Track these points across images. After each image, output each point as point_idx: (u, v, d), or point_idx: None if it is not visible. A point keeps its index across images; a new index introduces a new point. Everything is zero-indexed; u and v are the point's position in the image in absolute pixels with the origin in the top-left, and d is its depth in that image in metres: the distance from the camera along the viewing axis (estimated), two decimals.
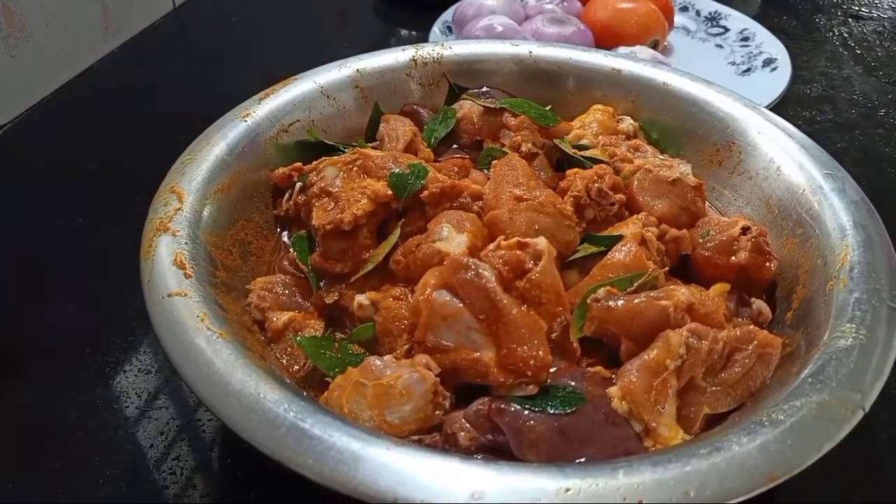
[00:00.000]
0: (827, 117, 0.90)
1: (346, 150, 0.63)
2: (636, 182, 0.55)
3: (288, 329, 0.50)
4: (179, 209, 0.51)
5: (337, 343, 0.49)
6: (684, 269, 0.55)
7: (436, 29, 0.96)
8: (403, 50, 0.71)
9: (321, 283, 0.53)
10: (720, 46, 1.01)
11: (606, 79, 0.70)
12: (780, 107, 0.87)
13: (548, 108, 0.67)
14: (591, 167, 0.58)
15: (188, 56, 1.08)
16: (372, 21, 1.16)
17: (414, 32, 1.10)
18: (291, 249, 0.56)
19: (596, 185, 0.54)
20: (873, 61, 1.03)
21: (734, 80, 0.94)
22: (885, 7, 1.18)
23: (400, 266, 0.51)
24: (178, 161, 0.56)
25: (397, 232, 0.53)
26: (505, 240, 0.48)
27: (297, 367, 0.48)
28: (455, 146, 0.67)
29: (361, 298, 0.50)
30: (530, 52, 0.71)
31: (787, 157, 0.58)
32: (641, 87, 0.68)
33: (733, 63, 0.97)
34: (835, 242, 0.50)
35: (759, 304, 0.52)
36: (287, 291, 0.53)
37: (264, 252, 0.58)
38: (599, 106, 0.67)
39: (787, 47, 0.98)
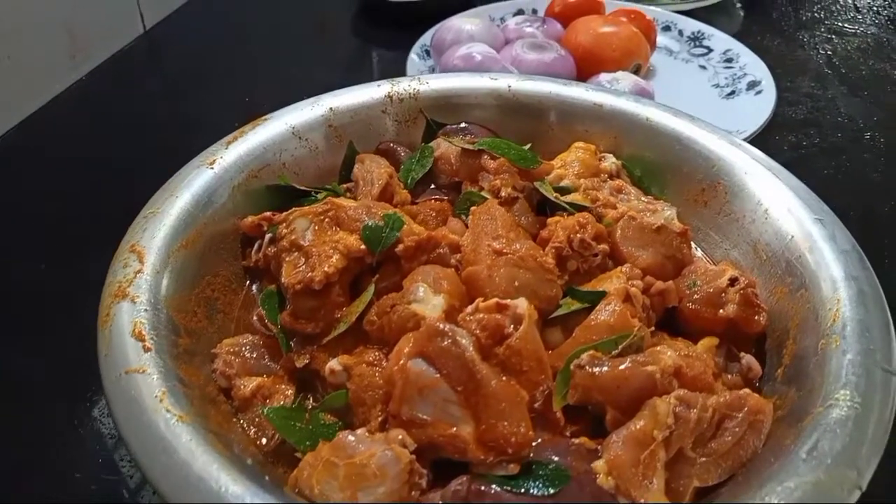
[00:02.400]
0: (813, 142, 0.89)
1: (318, 195, 0.61)
2: (619, 231, 0.53)
3: (256, 397, 0.48)
4: (139, 271, 0.48)
5: (308, 413, 0.47)
6: (671, 320, 0.53)
7: (413, 56, 0.93)
8: (379, 85, 0.69)
9: (292, 344, 0.51)
10: (703, 68, 0.99)
11: (588, 113, 0.68)
12: (765, 131, 0.85)
13: (528, 146, 0.65)
14: (574, 213, 0.56)
15: (162, 80, 1.05)
16: (350, 40, 1.13)
17: (392, 52, 1.08)
18: (260, 307, 0.53)
19: (578, 235, 0.52)
20: (858, 80, 1.02)
21: (719, 103, 0.92)
22: (868, 22, 1.17)
23: (374, 327, 0.48)
24: (140, 215, 0.53)
25: (371, 289, 0.51)
26: (484, 300, 0.46)
27: (265, 441, 0.46)
28: (433, 186, 0.64)
29: (333, 364, 0.47)
30: (509, 87, 0.69)
31: (775, 200, 0.56)
32: (624, 123, 0.66)
33: (717, 85, 0.95)
34: (826, 296, 0.48)
35: (748, 359, 0.50)
36: (255, 354, 0.50)
37: (232, 308, 0.55)
38: (581, 144, 0.65)
39: (771, 66, 0.96)
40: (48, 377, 0.61)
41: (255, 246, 0.57)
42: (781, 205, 0.56)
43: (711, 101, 0.93)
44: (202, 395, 0.45)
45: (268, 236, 0.56)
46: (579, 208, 0.57)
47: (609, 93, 0.68)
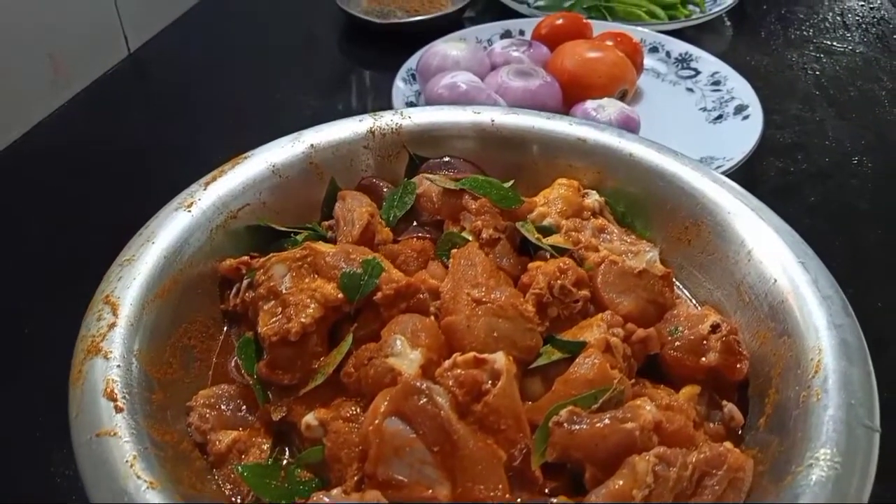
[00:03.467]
0: (800, 167, 0.89)
1: (298, 237, 0.60)
2: (600, 276, 0.53)
3: (232, 452, 0.47)
4: (113, 324, 0.48)
5: (283, 470, 0.46)
6: (654, 365, 0.53)
7: (399, 82, 0.93)
8: (361, 120, 0.68)
9: (269, 394, 0.50)
10: (691, 90, 0.99)
11: (572, 148, 0.67)
12: (752, 156, 0.85)
13: (511, 182, 0.65)
14: (555, 255, 0.55)
15: (146, 104, 1.03)
16: (337, 61, 1.13)
17: (379, 74, 1.07)
18: (237, 357, 0.52)
19: (559, 282, 0.51)
20: (846, 102, 1.02)
21: (706, 128, 0.92)
22: (857, 40, 1.17)
23: (352, 379, 0.48)
24: (116, 262, 0.53)
25: (349, 339, 0.50)
26: (462, 354, 0.46)
27: (240, 499, 0.45)
28: (415, 223, 0.64)
29: (310, 419, 0.46)
30: (493, 121, 0.68)
31: (758, 241, 0.56)
32: (607, 158, 0.66)
33: (704, 109, 0.95)
34: (808, 345, 0.48)
35: (730, 408, 0.50)
36: (231, 406, 0.50)
37: (210, 354, 0.55)
38: (564, 181, 0.64)
39: (759, 88, 0.96)
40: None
41: (234, 290, 0.56)
42: (765, 246, 0.55)
43: (698, 125, 0.92)
44: (175, 454, 0.44)
45: (246, 281, 0.55)
46: (561, 251, 0.56)
47: (592, 127, 0.67)
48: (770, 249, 0.55)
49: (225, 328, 0.57)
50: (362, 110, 0.99)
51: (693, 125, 0.92)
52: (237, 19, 1.20)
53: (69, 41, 0.96)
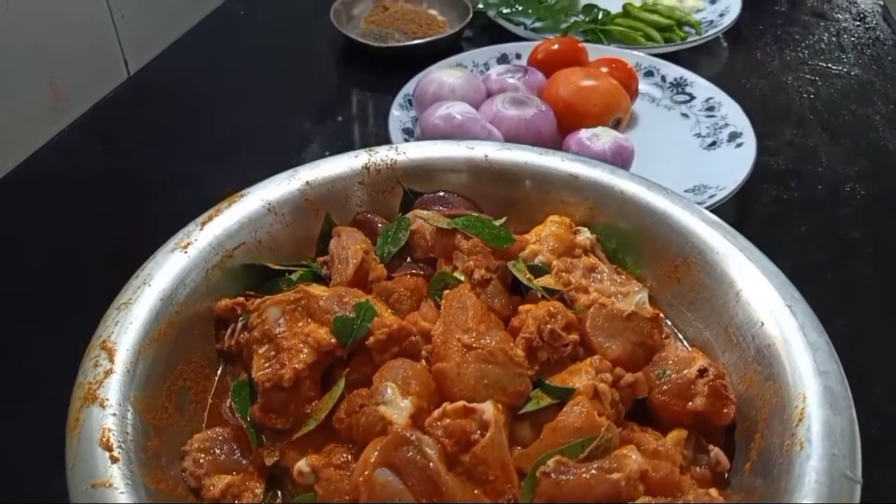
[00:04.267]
0: (793, 195, 0.89)
1: (293, 275, 0.61)
2: (590, 320, 0.54)
3: (226, 496, 0.48)
4: (110, 371, 0.49)
5: None
6: (642, 407, 0.53)
7: (395, 110, 0.94)
8: (356, 156, 0.69)
9: (263, 437, 0.51)
10: (686, 116, 0.99)
11: (564, 183, 0.68)
12: (746, 183, 0.85)
13: (503, 219, 0.65)
14: (546, 296, 0.56)
15: (146, 129, 1.04)
16: (336, 85, 1.14)
17: (377, 97, 1.08)
18: (231, 400, 0.53)
19: (548, 326, 0.52)
20: (840, 126, 1.02)
21: (700, 154, 0.92)
22: (852, 62, 1.17)
23: (343, 426, 0.49)
24: (113, 305, 0.54)
25: (342, 383, 0.51)
26: (452, 400, 0.47)
27: None
28: (409, 259, 0.65)
29: (302, 465, 0.47)
30: (486, 156, 0.69)
31: (747, 283, 0.57)
32: (599, 194, 0.67)
33: (699, 135, 0.95)
34: (793, 392, 0.49)
35: (717, 453, 0.50)
36: (226, 449, 0.50)
37: (205, 395, 0.56)
38: (556, 218, 0.65)
39: (754, 112, 0.97)
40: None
41: (229, 330, 0.57)
42: (753, 288, 0.56)
43: (692, 151, 0.93)
44: (170, 501, 0.45)
45: (241, 322, 0.56)
46: (552, 292, 0.57)
47: (584, 163, 0.68)
48: (758, 292, 0.56)
49: (220, 367, 0.58)
50: (360, 135, 1.00)
51: (687, 152, 0.93)
52: (235, 41, 1.21)
53: (69, 66, 0.97)
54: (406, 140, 0.91)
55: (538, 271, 0.60)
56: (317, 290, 0.54)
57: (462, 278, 0.58)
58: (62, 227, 0.84)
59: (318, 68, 1.17)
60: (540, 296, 0.57)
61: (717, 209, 0.80)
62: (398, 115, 0.94)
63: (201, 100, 1.07)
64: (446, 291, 0.56)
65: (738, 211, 0.86)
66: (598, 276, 0.59)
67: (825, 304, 0.74)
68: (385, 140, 0.90)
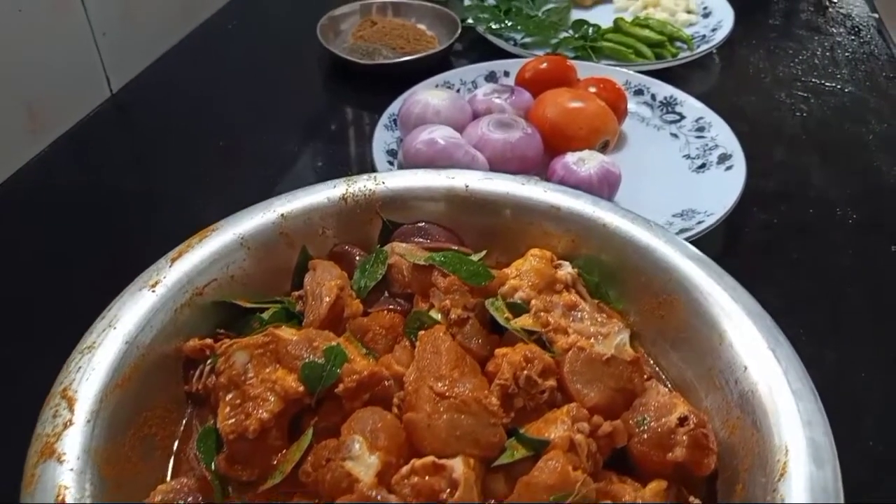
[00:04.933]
0: (783, 219, 0.88)
1: (265, 314, 0.60)
2: (568, 365, 0.52)
3: None
4: (69, 422, 0.47)
5: None
6: (621, 454, 0.52)
7: (379, 131, 0.92)
8: (334, 186, 0.67)
9: (229, 489, 0.49)
10: (675, 136, 0.98)
11: (545, 215, 0.66)
12: (735, 207, 0.83)
13: (482, 255, 0.64)
14: (524, 340, 0.55)
15: (130, 148, 1.02)
16: (322, 104, 1.12)
17: (364, 115, 1.07)
18: (196, 449, 0.51)
19: (525, 372, 0.50)
20: (832, 146, 1.01)
21: (689, 177, 0.91)
22: (846, 78, 1.16)
23: (310, 479, 0.47)
24: (76, 350, 0.52)
25: (309, 433, 0.49)
26: (423, 453, 0.45)
27: None
28: (387, 294, 0.63)
29: None
30: (467, 186, 0.68)
31: (731, 324, 0.55)
32: (581, 226, 0.65)
33: (688, 156, 0.94)
34: (776, 443, 0.47)
35: None
36: (190, 501, 0.49)
37: (170, 441, 0.54)
38: (536, 251, 0.63)
39: (745, 132, 0.95)
40: None
41: (197, 372, 0.56)
42: (737, 330, 0.55)
43: (681, 173, 0.92)
44: None
45: (208, 366, 0.54)
46: (530, 333, 0.55)
47: (566, 194, 0.67)
48: (742, 334, 0.54)
49: (188, 410, 0.56)
50: (345, 156, 0.99)
51: (676, 174, 0.92)
52: (219, 58, 1.20)
53: (48, 88, 0.95)
54: (390, 162, 0.90)
55: (517, 309, 0.59)
56: (286, 333, 0.53)
57: (438, 317, 0.57)
58: (36, 254, 0.82)
59: (305, 85, 1.15)
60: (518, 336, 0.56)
61: (705, 235, 0.78)
62: (382, 137, 0.93)
63: (185, 118, 1.06)
64: (421, 332, 0.55)
65: (726, 236, 0.84)
66: (579, 315, 0.58)
67: (815, 336, 0.74)
68: (370, 161, 0.88)
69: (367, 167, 0.90)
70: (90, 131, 1.01)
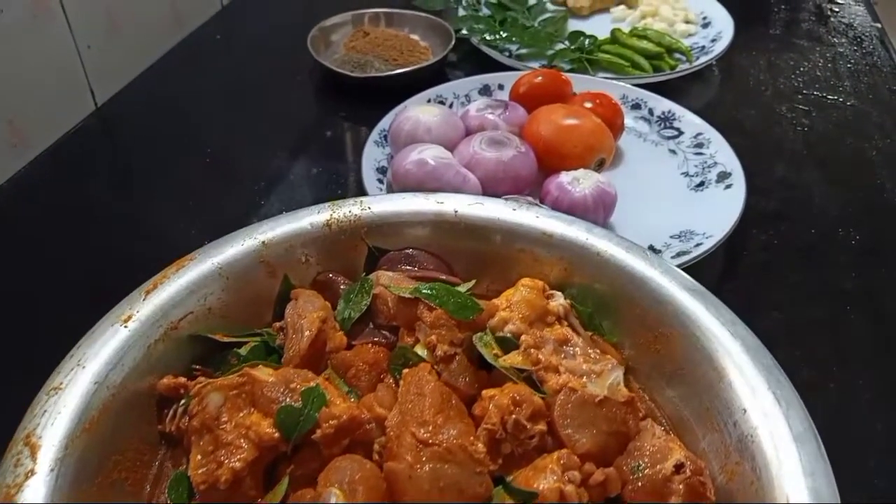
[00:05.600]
0: (784, 240, 0.85)
1: (243, 348, 0.57)
2: (558, 408, 0.50)
3: None
4: (31, 472, 0.44)
5: None
6: (615, 502, 0.49)
7: (369, 147, 0.90)
8: (318, 212, 0.65)
9: None
10: (673, 152, 0.95)
11: (537, 241, 0.64)
12: (735, 227, 0.81)
13: (471, 284, 0.62)
14: (513, 379, 0.52)
15: (114, 164, 1.00)
16: (312, 118, 1.09)
17: (356, 129, 1.04)
18: (167, 496, 0.49)
19: (513, 416, 0.48)
20: (834, 163, 0.98)
21: (687, 196, 0.88)
22: (849, 91, 1.13)
23: None
24: (43, 391, 0.49)
25: (284, 482, 0.47)
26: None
27: None
28: (372, 325, 0.61)
29: None
30: (456, 211, 0.65)
31: (730, 364, 0.52)
32: (574, 254, 0.63)
33: (686, 174, 0.91)
34: (776, 496, 0.45)
35: None
36: None
37: (141, 486, 0.51)
38: (527, 281, 0.61)
39: (745, 148, 0.93)
40: None
41: (171, 413, 0.53)
42: (736, 369, 0.52)
43: (679, 192, 0.89)
44: None
45: (182, 406, 0.52)
46: (520, 372, 0.53)
47: (559, 220, 0.64)
48: (742, 373, 0.52)
49: (161, 451, 0.54)
50: (335, 173, 0.96)
51: (673, 192, 0.89)
52: (207, 70, 1.17)
53: (30, 101, 0.93)
54: (379, 180, 0.87)
55: (507, 344, 0.56)
56: (263, 373, 0.50)
57: (424, 354, 0.55)
58: (6, 281, 0.80)
59: (295, 98, 1.12)
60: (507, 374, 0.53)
61: (704, 258, 0.76)
62: (372, 154, 0.90)
63: (171, 133, 1.03)
64: (405, 371, 0.52)
65: (724, 258, 0.82)
66: (571, 351, 0.55)
67: (816, 365, 0.71)
68: (361, 178, 0.86)
69: (358, 184, 0.87)
70: (73, 147, 0.98)
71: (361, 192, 0.85)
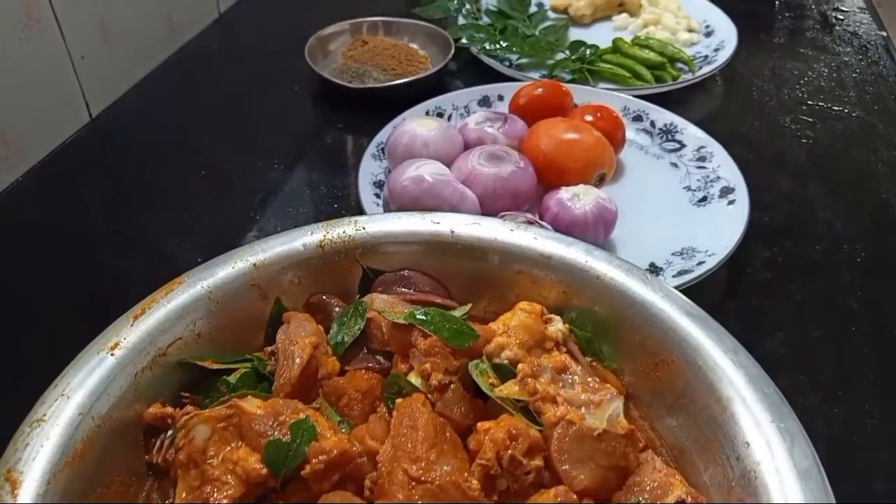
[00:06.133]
0: (788, 257, 0.83)
1: (232, 376, 0.56)
2: (555, 443, 0.48)
3: None
4: None
5: None
6: None
7: (366, 160, 0.89)
8: (311, 232, 0.63)
9: None
10: (675, 165, 0.94)
11: (536, 263, 0.62)
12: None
13: (467, 308, 0.60)
14: (509, 410, 0.51)
15: (109, 177, 0.98)
16: (310, 129, 1.08)
17: (353, 140, 1.03)
18: None
19: (509, 451, 0.47)
20: (839, 176, 0.97)
21: (689, 211, 0.87)
22: (854, 102, 1.12)
23: None
24: (25, 422, 0.48)
25: None
26: None
27: None
28: (366, 350, 0.59)
29: None
30: (452, 232, 0.64)
31: (734, 394, 0.51)
32: (573, 276, 0.61)
33: (689, 188, 0.90)
34: None
35: None
36: None
37: None
38: (525, 305, 0.59)
39: (748, 160, 0.92)
40: None
41: (158, 443, 0.52)
42: (740, 401, 0.50)
43: (681, 207, 0.88)
44: None
45: (168, 438, 0.50)
46: (517, 403, 0.52)
47: (558, 241, 0.63)
48: (745, 404, 0.50)
49: (148, 483, 0.52)
50: (332, 186, 0.95)
51: (676, 207, 0.88)
52: (203, 81, 1.16)
53: (23, 113, 0.91)
54: (376, 195, 0.86)
55: (504, 371, 0.55)
56: (251, 405, 0.49)
57: (418, 383, 0.53)
58: (4, 294, 0.79)
59: (292, 108, 1.11)
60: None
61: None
62: (369, 168, 0.89)
63: (166, 144, 1.02)
64: (399, 401, 0.51)
65: (726, 275, 0.80)
66: (569, 380, 0.54)
67: (821, 388, 0.69)
68: (358, 191, 0.85)
69: (355, 197, 0.86)
70: (66, 159, 0.97)
71: (358, 205, 0.84)
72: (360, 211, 0.84)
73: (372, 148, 0.91)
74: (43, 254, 0.83)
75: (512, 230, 0.64)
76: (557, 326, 0.59)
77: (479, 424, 0.50)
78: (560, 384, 0.53)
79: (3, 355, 0.72)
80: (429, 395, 0.52)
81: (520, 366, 0.54)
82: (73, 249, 0.84)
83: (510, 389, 0.52)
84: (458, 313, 0.59)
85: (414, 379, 0.54)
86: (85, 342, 0.53)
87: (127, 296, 0.72)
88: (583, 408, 0.51)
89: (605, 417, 0.50)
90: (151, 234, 0.86)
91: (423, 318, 0.56)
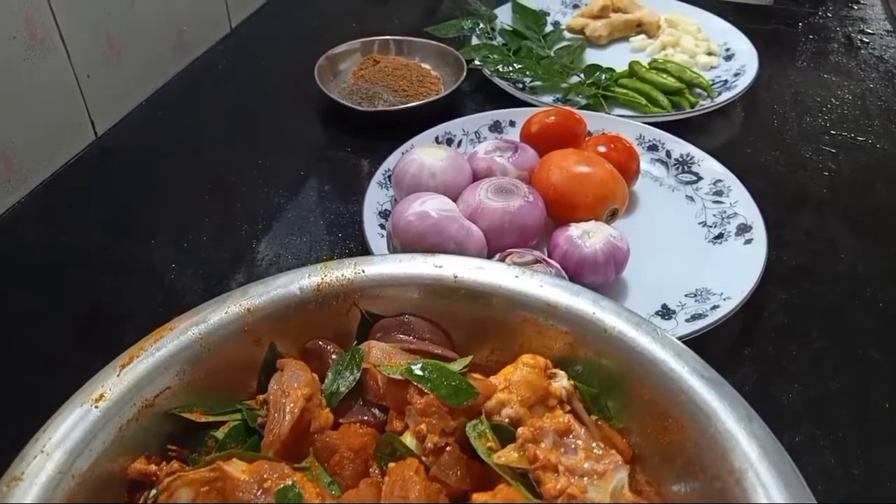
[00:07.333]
0: (805, 299, 0.80)
1: (220, 430, 0.54)
2: None
3: None
4: None
5: None
6: None
7: (373, 188, 0.87)
8: (308, 275, 0.61)
9: None
10: (691, 199, 0.91)
11: (541, 312, 0.60)
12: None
13: (467, 361, 0.58)
14: (507, 481, 0.48)
15: (113, 199, 0.96)
16: (317, 151, 1.06)
17: (360, 164, 1.01)
18: None
19: None
20: (861, 212, 0.93)
21: (705, 248, 0.84)
22: (879, 132, 1.08)
23: None
24: (3, 481, 0.46)
25: None
26: None
27: None
28: (361, 402, 0.57)
29: None
30: (455, 276, 0.61)
31: (746, 463, 0.48)
32: (580, 327, 0.58)
33: (704, 224, 0.87)
34: None
35: None
36: None
37: None
38: (529, 359, 0.57)
39: (766, 194, 0.89)
40: None
41: (141, 499, 0.50)
42: (752, 471, 0.47)
43: (697, 244, 0.85)
44: None
45: (151, 498, 0.48)
46: (517, 470, 0.49)
47: (564, 290, 0.60)
48: (761, 481, 0.47)
49: None
50: (336, 214, 0.93)
51: (690, 244, 0.85)
52: (209, 100, 1.14)
53: (27, 133, 0.90)
54: (381, 226, 0.84)
55: (503, 433, 0.52)
56: (236, 469, 0.47)
57: (413, 444, 0.51)
58: (4, 318, 0.77)
59: (301, 129, 1.09)
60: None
61: None
62: (375, 196, 0.87)
63: (171, 165, 1.00)
64: (391, 465, 0.49)
65: (742, 319, 0.77)
66: (572, 445, 0.51)
67: (839, 448, 0.66)
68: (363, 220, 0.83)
69: (360, 225, 0.83)
70: (69, 180, 0.96)
71: (363, 234, 0.82)
72: (363, 241, 0.81)
73: (378, 175, 0.89)
74: (42, 278, 0.82)
75: (517, 276, 0.61)
76: (562, 383, 0.56)
77: (475, 496, 0.47)
78: (562, 449, 0.51)
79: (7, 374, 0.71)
80: (423, 458, 0.50)
81: (520, 430, 0.51)
82: (72, 273, 0.82)
83: (509, 457, 0.50)
84: (457, 366, 0.57)
85: (409, 440, 0.51)
86: (82, 369, 0.52)
87: (124, 326, 0.71)
88: (585, 478, 0.49)
89: (609, 491, 0.48)
90: (152, 261, 0.85)
91: (421, 374, 0.53)
